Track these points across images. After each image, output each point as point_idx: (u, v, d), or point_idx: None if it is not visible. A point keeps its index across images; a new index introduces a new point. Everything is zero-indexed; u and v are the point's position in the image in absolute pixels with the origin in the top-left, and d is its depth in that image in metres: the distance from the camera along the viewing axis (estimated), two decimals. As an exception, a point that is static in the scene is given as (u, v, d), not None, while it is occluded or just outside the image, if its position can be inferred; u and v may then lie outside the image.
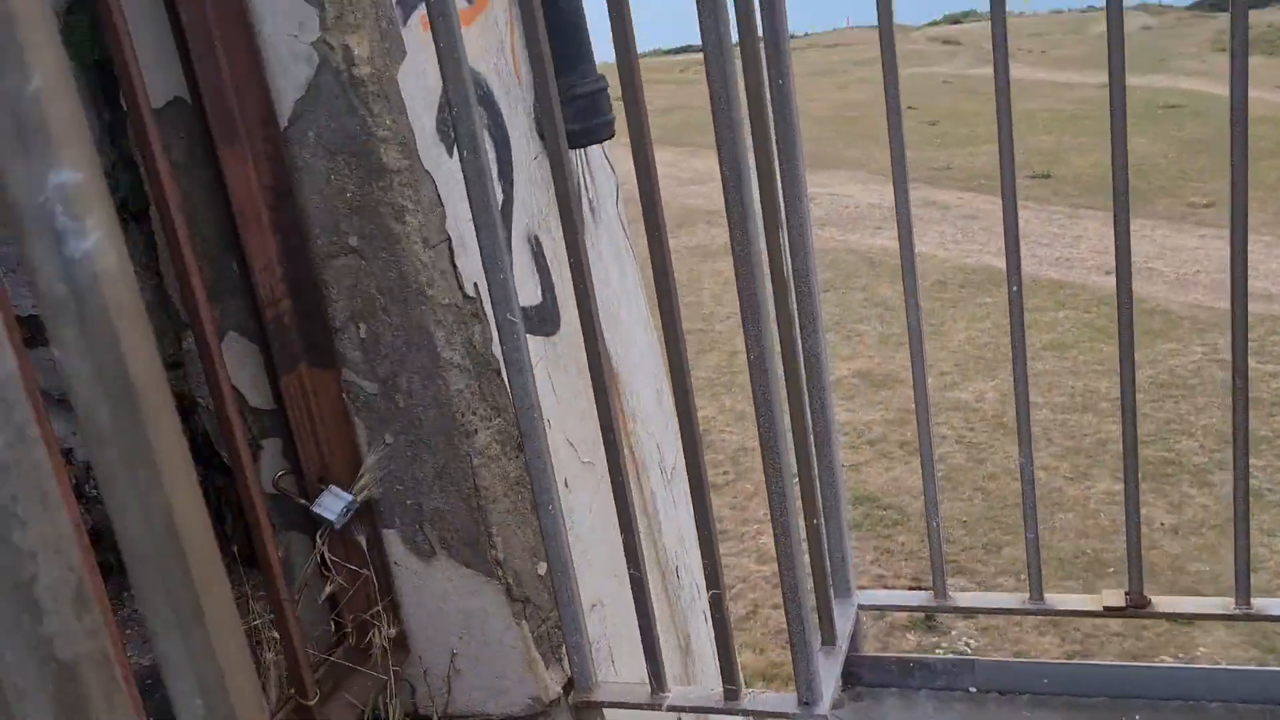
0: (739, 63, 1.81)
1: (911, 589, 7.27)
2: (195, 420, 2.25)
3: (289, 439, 1.97)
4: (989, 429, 9.50)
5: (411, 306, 1.91)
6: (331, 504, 1.92)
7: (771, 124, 1.97)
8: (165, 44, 1.85)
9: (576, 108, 2.50)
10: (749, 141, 1.83)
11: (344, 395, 1.97)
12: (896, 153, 2.29)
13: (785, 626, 1.95)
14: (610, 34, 1.73)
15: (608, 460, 1.88)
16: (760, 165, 1.85)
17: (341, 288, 1.93)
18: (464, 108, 1.80)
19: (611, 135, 2.60)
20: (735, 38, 1.80)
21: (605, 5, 1.77)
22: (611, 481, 1.89)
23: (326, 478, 1.96)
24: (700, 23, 1.69)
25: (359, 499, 1.94)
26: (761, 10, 1.97)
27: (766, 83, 1.97)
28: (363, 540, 1.99)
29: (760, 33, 1.92)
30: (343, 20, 1.80)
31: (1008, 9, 2.09)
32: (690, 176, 15.82)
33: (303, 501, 1.93)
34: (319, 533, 1.95)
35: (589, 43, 2.54)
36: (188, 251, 1.71)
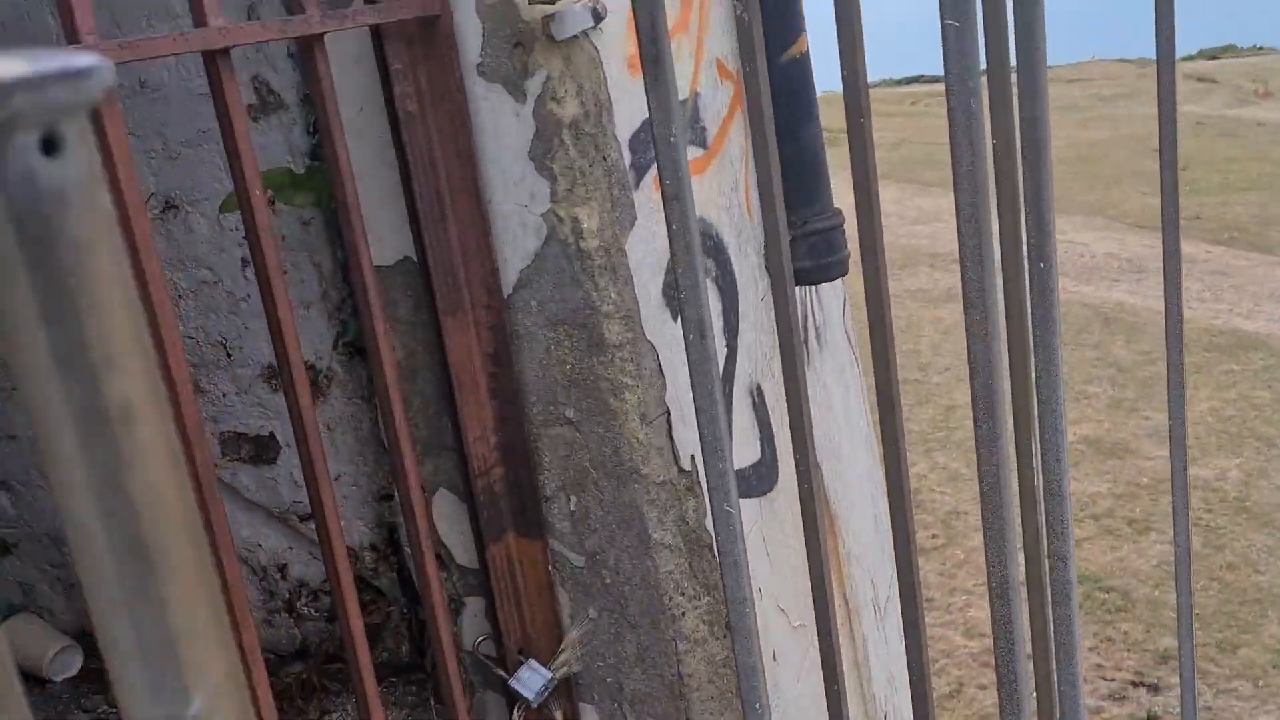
0: (985, 95, 1.57)
1: (1134, 685, 6.77)
2: (402, 556, 2.24)
3: (491, 602, 1.92)
4: (1229, 512, 8.76)
5: (624, 484, 1.83)
6: (530, 681, 1.85)
7: (1020, 169, 1.74)
8: (398, 203, 1.83)
9: (809, 244, 2.36)
10: (992, 186, 1.63)
11: (550, 566, 1.90)
12: (1169, 213, 2.06)
13: (991, 709, 1.76)
14: (840, 65, 1.54)
15: (825, 684, 1.74)
16: (1003, 216, 1.64)
17: (555, 458, 1.86)
18: (692, 291, 1.69)
19: (844, 273, 2.45)
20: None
21: (835, 32, 1.60)
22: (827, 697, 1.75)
23: (527, 649, 1.90)
24: (945, 46, 1.48)
25: (558, 675, 1.87)
26: (1017, 35, 1.72)
27: (1017, 119, 1.74)
28: (559, 716, 1.91)
29: (1013, 61, 1.70)
30: (574, 194, 1.73)
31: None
32: (915, 215, 15.34)
33: (501, 674, 1.87)
34: (515, 707, 1.88)
35: (827, 177, 2.40)
36: (399, 414, 1.67)
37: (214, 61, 1.37)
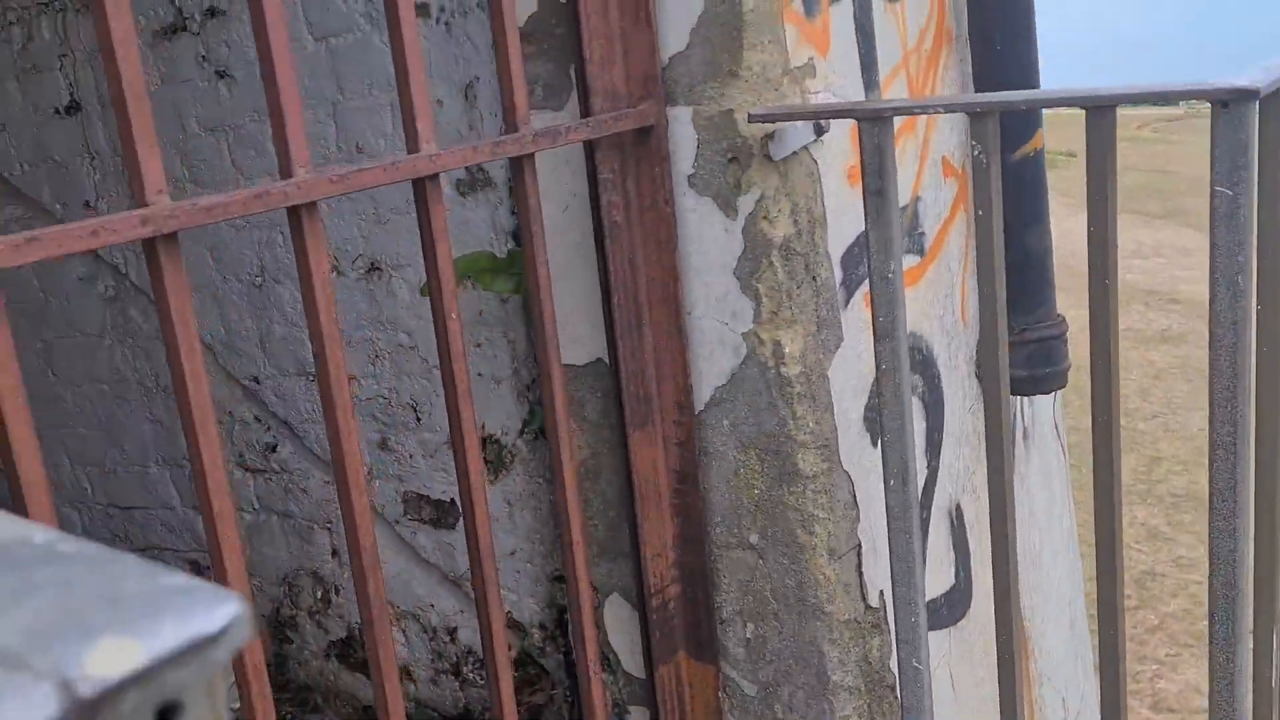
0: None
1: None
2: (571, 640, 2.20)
3: (655, 717, 1.85)
4: None
5: (806, 619, 1.72)
6: (689, 809, 1.77)
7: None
8: (597, 303, 1.78)
9: (1027, 352, 2.19)
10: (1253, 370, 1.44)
11: (720, 691, 1.81)
12: None
13: None
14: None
15: None
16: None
17: (734, 581, 1.78)
18: (897, 435, 1.58)
19: (1062, 386, 2.27)
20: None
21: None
22: None
23: (689, 772, 1.82)
24: (1213, 214, 1.28)
25: (719, 805, 1.79)
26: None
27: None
28: (716, 845, 1.83)
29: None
30: (778, 316, 1.64)
31: None
32: (1133, 249, 14.47)
33: (660, 797, 1.80)
34: (672, 832, 1.81)
35: (1052, 282, 2.23)
36: (575, 518, 1.61)
37: (422, 185, 1.34)
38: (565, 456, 1.58)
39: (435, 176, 1.34)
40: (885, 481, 1.59)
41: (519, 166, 1.45)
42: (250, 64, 2.28)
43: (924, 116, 2.01)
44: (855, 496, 1.76)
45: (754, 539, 1.74)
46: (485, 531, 1.47)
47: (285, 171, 1.22)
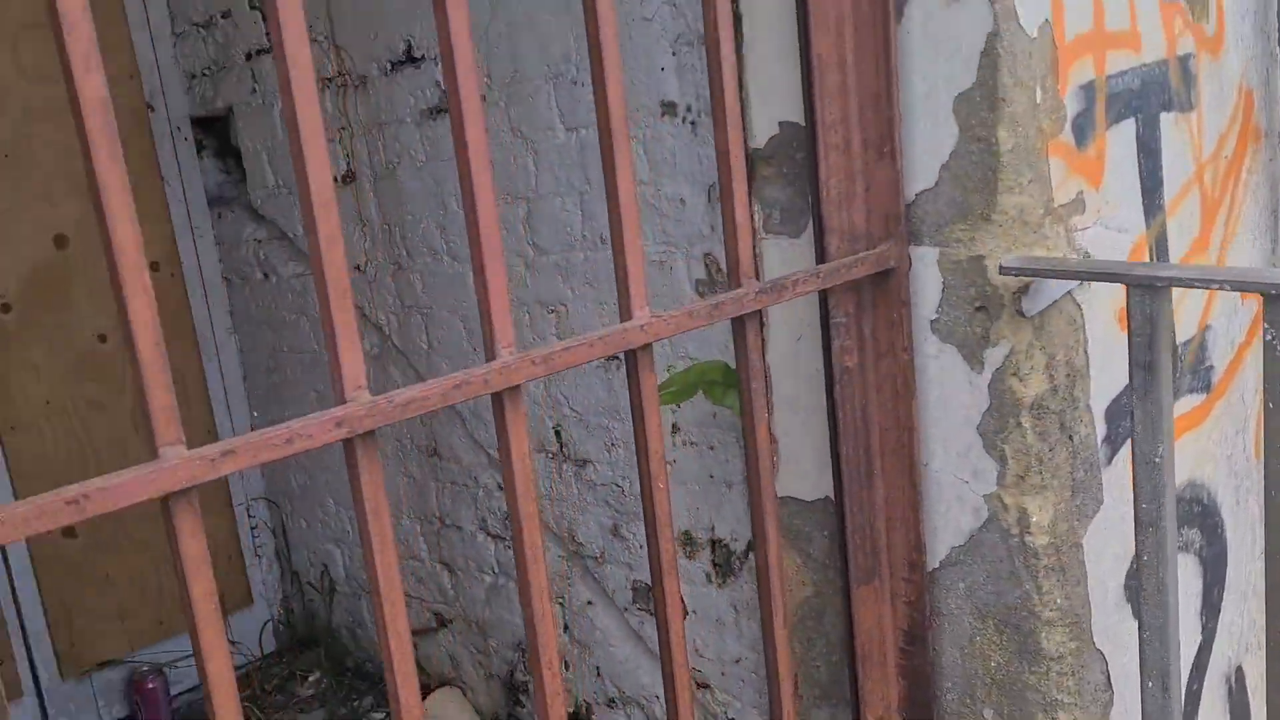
0: None
1: None
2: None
3: None
4: None
5: (1043, 810, 1.56)
6: None
7: None
8: (825, 442, 1.67)
9: (1335, 494, 1.90)
10: None
11: None
12: None
13: None
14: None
15: None
16: None
17: (964, 752, 1.63)
18: (1158, 634, 1.38)
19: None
20: None
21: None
22: None
23: None
24: None
25: None
26: None
27: None
28: None
29: None
30: (1025, 481, 1.47)
31: None
32: None
33: None
34: None
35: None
36: (785, 680, 1.52)
37: (633, 356, 1.27)
38: (778, 618, 1.49)
39: (648, 347, 1.28)
40: (1142, 684, 1.41)
41: (739, 325, 1.36)
42: (504, 149, 2.30)
43: (1221, 232, 1.77)
44: (1109, 677, 1.58)
45: (989, 714, 1.59)
46: (686, 696, 1.40)
47: (490, 353, 1.19)
